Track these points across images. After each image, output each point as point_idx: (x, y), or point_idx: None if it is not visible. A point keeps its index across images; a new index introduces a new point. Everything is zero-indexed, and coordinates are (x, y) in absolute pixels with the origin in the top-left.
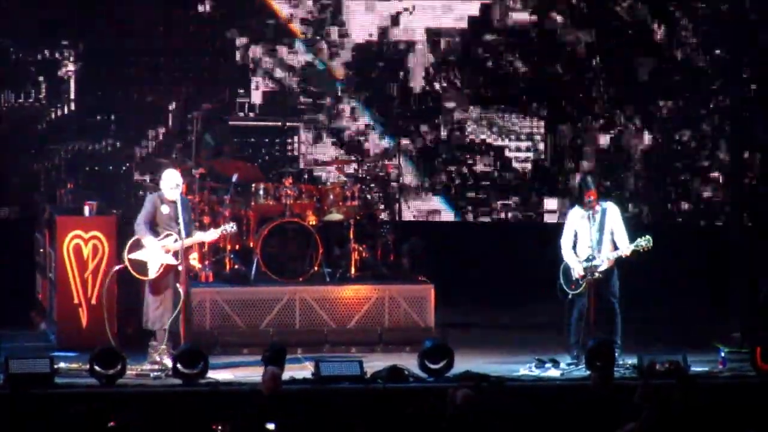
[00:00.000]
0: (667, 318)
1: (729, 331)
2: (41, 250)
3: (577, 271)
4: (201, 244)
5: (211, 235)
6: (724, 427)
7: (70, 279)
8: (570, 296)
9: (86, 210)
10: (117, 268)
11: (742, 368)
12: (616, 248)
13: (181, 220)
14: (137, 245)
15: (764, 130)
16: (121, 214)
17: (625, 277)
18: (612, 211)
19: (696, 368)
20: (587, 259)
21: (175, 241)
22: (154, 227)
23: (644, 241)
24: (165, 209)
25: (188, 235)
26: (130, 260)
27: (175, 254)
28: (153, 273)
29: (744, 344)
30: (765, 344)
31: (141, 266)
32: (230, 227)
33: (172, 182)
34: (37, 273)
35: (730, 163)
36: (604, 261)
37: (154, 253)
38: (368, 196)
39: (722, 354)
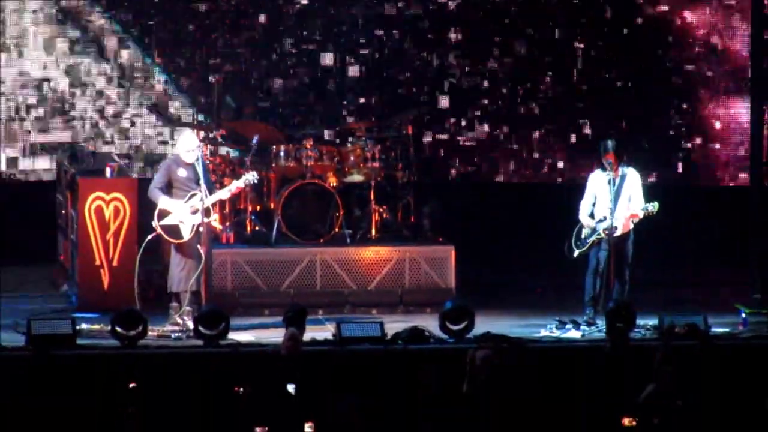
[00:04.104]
0: (688, 280)
1: (750, 292)
2: (63, 212)
3: (590, 227)
4: (222, 205)
5: (234, 186)
6: (745, 388)
7: (92, 241)
8: (576, 254)
9: (107, 171)
10: (150, 237)
11: (762, 329)
12: None
13: (202, 181)
14: (164, 211)
15: None
16: None
17: (645, 240)
18: (632, 176)
19: (717, 329)
20: (600, 220)
21: (201, 200)
22: (170, 191)
23: (651, 206)
24: (182, 172)
25: (210, 193)
26: (162, 226)
27: (203, 212)
28: (187, 235)
29: (765, 305)
30: None
31: (174, 230)
32: (252, 176)
33: (188, 145)
34: (58, 234)
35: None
36: (617, 223)
37: (184, 214)
38: (392, 154)
39: (743, 315)
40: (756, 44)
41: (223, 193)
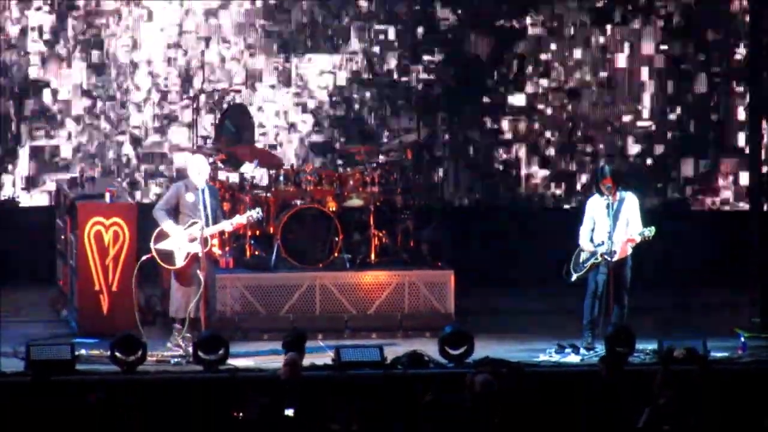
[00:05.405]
0: (687, 303)
1: (749, 316)
2: (62, 237)
3: (588, 251)
4: (221, 230)
5: (236, 221)
6: (744, 413)
7: (91, 265)
8: (573, 278)
9: (107, 196)
10: (144, 258)
11: (762, 354)
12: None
13: (208, 207)
14: (163, 235)
15: None
16: None
17: (643, 263)
18: (630, 200)
19: (716, 354)
20: (599, 245)
21: (201, 228)
22: (177, 215)
23: (648, 231)
24: (190, 197)
25: (215, 221)
26: (156, 250)
27: (201, 242)
28: (180, 262)
29: (764, 329)
30: None
31: (168, 256)
32: (256, 213)
33: (198, 168)
34: (57, 259)
35: (748, 145)
36: (616, 247)
37: (180, 241)
38: (390, 178)
39: (742, 339)
40: (754, 64)
41: (225, 226)
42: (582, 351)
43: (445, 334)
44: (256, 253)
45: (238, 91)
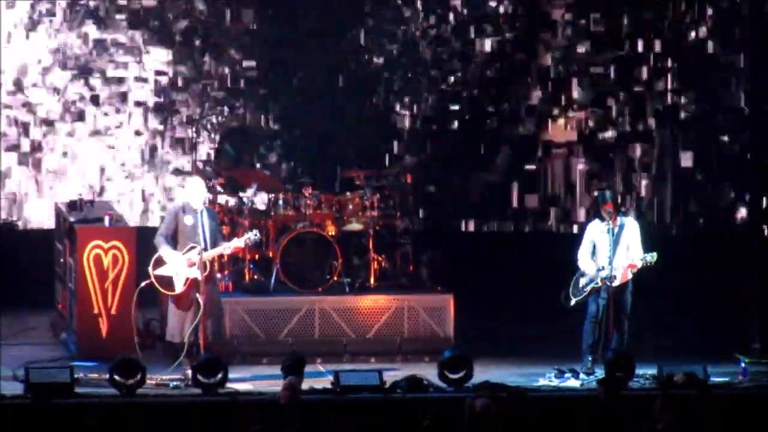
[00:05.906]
0: (687, 328)
1: (749, 341)
2: (61, 260)
3: (588, 276)
4: (220, 254)
5: (234, 244)
6: None
7: (90, 289)
8: (572, 303)
9: (106, 220)
10: (143, 284)
11: (762, 379)
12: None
13: (207, 230)
14: (162, 260)
15: None
16: None
17: (643, 288)
18: (630, 226)
19: (716, 379)
20: (599, 270)
21: (199, 253)
22: (176, 238)
23: (650, 256)
24: (189, 220)
25: (214, 244)
26: (155, 276)
27: (200, 266)
28: (179, 288)
29: (764, 354)
30: None
31: (167, 281)
32: (254, 235)
33: (197, 191)
34: (56, 282)
35: (748, 167)
36: (616, 273)
37: (179, 267)
38: (390, 202)
39: (743, 364)
40: (754, 92)
41: (223, 249)
42: (581, 376)
43: (444, 359)
44: (255, 276)
45: (237, 115)
